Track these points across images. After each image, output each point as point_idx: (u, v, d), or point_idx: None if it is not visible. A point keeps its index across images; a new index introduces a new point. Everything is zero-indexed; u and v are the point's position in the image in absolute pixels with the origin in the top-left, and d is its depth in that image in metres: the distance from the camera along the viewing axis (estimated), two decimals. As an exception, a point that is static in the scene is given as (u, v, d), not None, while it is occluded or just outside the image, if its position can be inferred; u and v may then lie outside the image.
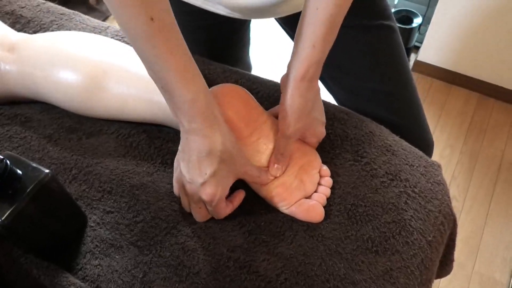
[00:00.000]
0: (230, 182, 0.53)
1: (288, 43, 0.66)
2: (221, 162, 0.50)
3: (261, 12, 0.65)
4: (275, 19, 0.75)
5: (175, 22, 0.45)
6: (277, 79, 0.70)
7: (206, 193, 0.51)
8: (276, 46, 1.83)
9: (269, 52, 1.82)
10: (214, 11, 0.67)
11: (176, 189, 0.56)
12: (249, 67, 1.01)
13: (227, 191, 0.53)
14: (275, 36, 1.84)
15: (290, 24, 0.77)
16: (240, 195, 0.57)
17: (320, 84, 0.76)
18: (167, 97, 0.48)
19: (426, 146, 0.74)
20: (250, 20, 0.85)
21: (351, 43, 0.69)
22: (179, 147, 0.52)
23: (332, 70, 0.73)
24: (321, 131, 0.60)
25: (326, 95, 0.76)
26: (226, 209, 0.55)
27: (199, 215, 0.55)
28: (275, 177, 0.56)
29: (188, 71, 0.46)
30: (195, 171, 0.50)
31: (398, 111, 0.72)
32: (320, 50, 0.52)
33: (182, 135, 0.50)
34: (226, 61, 0.77)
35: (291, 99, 0.53)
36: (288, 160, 0.57)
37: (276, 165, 0.56)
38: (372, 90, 0.71)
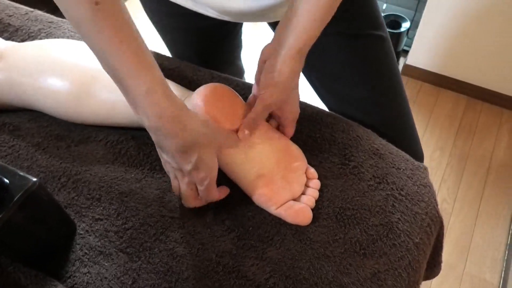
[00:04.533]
0: (215, 157, 0.53)
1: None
2: (202, 147, 0.50)
3: (251, 16, 0.66)
4: (267, 23, 0.76)
5: (124, 8, 0.43)
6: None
7: (199, 177, 0.51)
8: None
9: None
10: (205, 14, 0.68)
11: (168, 172, 0.55)
12: (241, 71, 1.01)
13: (217, 166, 0.53)
14: (268, 41, 1.85)
15: None
16: (225, 189, 0.58)
17: (310, 87, 0.77)
18: (122, 91, 0.46)
19: (414, 157, 0.72)
20: (241, 24, 0.85)
21: (341, 51, 0.69)
22: (154, 142, 0.51)
23: (321, 76, 0.74)
24: (297, 109, 0.60)
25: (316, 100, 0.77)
26: (216, 192, 0.55)
27: (190, 199, 0.55)
28: (242, 140, 0.56)
29: (142, 61, 0.44)
30: (181, 161, 0.50)
31: (385, 121, 0.72)
32: (319, 25, 0.51)
33: (149, 132, 0.49)
34: (216, 64, 0.77)
35: (281, 69, 0.52)
36: (257, 127, 0.57)
37: (245, 130, 0.56)
38: (360, 99, 0.72)
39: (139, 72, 0.44)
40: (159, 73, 0.46)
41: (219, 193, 0.56)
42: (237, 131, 0.56)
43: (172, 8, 0.69)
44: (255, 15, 0.66)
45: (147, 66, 0.45)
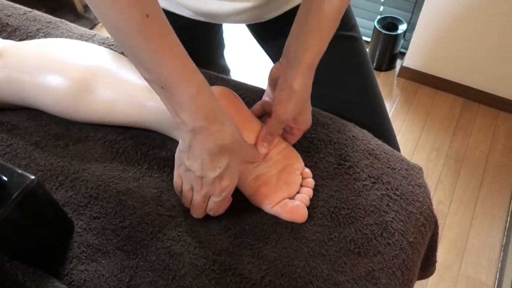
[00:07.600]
0: (239, 169, 0.54)
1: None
2: (233, 153, 0.50)
3: (225, 18, 0.67)
4: (245, 25, 0.77)
5: (167, 20, 0.44)
6: (257, 82, 0.71)
7: (222, 185, 0.51)
8: (254, 50, 1.84)
9: (248, 55, 1.83)
10: (179, 14, 0.68)
11: (177, 186, 0.56)
12: (225, 70, 1.00)
13: (237, 179, 0.54)
14: (253, 40, 1.87)
15: (257, 30, 0.79)
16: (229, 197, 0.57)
17: None
18: (167, 96, 0.46)
19: None
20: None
21: None
22: (181, 147, 0.51)
23: None
24: (310, 118, 0.61)
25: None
26: (227, 204, 0.56)
27: (201, 210, 0.55)
28: (264, 156, 0.58)
29: (189, 65, 0.46)
30: (208, 167, 0.50)
31: (359, 120, 0.72)
32: (325, 40, 0.54)
33: (186, 135, 0.49)
34: (198, 63, 0.77)
35: (293, 85, 0.54)
36: (274, 140, 0.58)
37: (264, 143, 0.57)
38: (332, 98, 0.73)
39: (188, 76, 0.45)
40: (202, 75, 0.48)
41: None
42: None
43: None
44: (229, 17, 0.66)
45: (194, 69, 0.46)
